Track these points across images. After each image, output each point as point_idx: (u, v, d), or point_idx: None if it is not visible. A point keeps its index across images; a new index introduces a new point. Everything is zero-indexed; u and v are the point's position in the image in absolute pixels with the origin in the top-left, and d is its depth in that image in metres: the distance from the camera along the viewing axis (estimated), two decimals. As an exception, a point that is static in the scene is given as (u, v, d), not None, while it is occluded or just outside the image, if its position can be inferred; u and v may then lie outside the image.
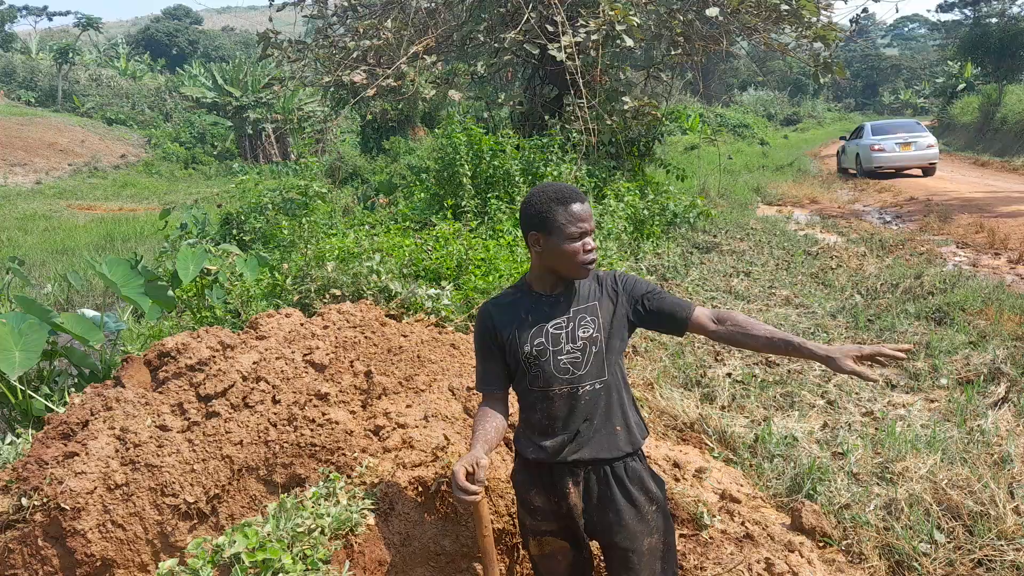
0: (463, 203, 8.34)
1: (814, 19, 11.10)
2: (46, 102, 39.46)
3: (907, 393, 5.14)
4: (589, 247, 2.22)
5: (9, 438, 3.69)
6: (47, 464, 2.89)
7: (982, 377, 5.17)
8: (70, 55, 41.68)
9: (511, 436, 3.19)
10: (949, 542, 3.28)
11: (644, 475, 2.35)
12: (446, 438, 3.01)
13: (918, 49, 74.57)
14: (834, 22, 11.23)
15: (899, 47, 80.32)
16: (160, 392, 3.23)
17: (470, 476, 2.11)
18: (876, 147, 19.51)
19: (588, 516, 2.32)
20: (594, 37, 9.53)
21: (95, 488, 2.77)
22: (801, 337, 2.30)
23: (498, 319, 2.35)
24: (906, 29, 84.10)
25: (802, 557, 3.30)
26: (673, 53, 12.45)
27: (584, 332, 2.27)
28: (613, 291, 2.33)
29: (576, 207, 2.20)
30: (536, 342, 2.28)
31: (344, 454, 2.93)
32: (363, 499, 2.60)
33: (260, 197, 10.16)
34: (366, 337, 3.66)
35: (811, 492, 3.75)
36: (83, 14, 50.38)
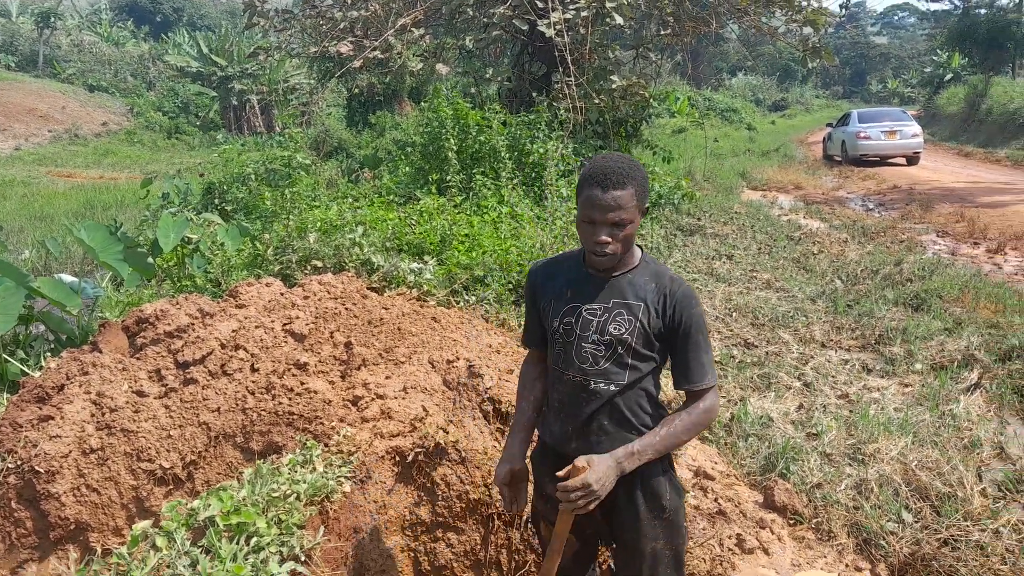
0: (448, 178, 8.30)
1: (804, 3, 11.09)
2: (26, 67, 38.66)
3: (882, 377, 5.21)
4: (599, 238, 1.97)
5: (-17, 401, 3.66)
6: (21, 427, 2.88)
7: (956, 363, 5.25)
8: (51, 19, 40.82)
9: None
10: (916, 522, 3.35)
11: (659, 480, 2.18)
12: (424, 409, 3.02)
13: (907, 38, 74.71)
14: (824, 7, 11.21)
15: (888, 36, 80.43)
16: (138, 358, 3.21)
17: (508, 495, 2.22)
18: (862, 135, 19.59)
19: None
20: (584, 14, 9.48)
21: (70, 452, 2.76)
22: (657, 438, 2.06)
23: (541, 282, 2.22)
24: (896, 18, 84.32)
25: (772, 534, 3.36)
26: (662, 33, 12.42)
27: (616, 329, 2.04)
28: (662, 302, 2.05)
29: (595, 192, 1.94)
30: (565, 320, 2.10)
31: (322, 423, 2.94)
32: (340, 467, 2.61)
33: (243, 167, 10.05)
34: (347, 308, 3.66)
35: (784, 471, 3.81)
36: (65, -23, 49.38)
